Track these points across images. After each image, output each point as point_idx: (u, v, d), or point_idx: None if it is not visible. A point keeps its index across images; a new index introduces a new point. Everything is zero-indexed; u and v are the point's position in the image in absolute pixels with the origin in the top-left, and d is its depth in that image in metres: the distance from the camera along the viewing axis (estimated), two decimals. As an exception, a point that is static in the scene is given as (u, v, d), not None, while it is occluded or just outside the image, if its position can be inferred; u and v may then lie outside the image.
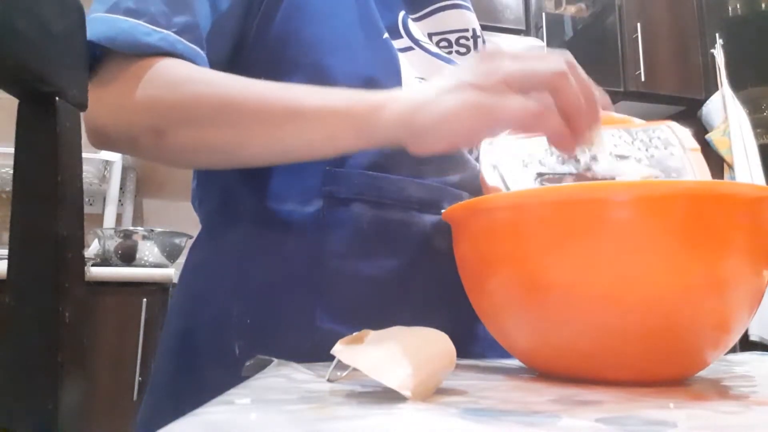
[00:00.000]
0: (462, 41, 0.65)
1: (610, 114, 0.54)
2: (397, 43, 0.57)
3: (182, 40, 0.47)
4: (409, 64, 0.57)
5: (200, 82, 0.46)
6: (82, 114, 0.47)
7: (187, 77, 0.46)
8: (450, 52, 0.64)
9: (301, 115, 0.44)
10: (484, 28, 0.69)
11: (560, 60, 0.40)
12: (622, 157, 0.47)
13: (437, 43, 0.64)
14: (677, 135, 0.49)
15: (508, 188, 0.48)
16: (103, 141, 0.49)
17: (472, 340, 0.53)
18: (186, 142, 0.47)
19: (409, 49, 0.59)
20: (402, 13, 0.60)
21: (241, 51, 0.53)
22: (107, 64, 0.48)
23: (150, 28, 0.46)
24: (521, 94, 0.39)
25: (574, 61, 0.40)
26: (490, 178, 0.48)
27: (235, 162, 0.49)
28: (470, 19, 0.66)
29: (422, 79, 0.59)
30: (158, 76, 0.46)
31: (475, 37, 0.65)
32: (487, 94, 0.39)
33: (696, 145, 0.47)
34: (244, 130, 0.46)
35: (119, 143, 0.49)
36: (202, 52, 0.49)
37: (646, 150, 0.47)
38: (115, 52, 0.47)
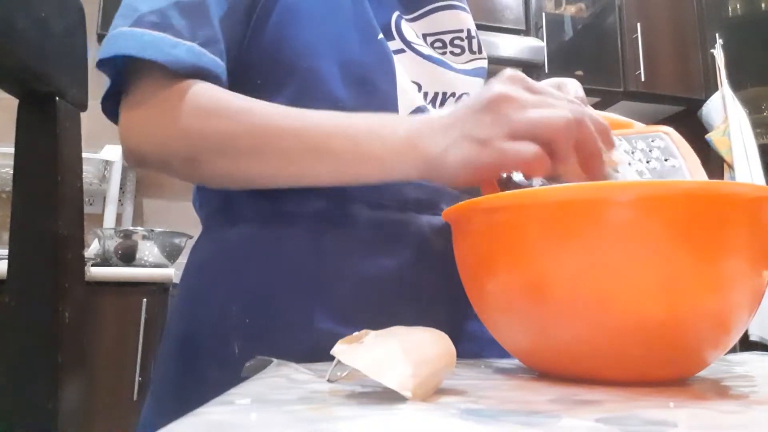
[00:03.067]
0: (456, 42, 0.65)
1: (613, 116, 0.54)
2: (390, 45, 0.57)
3: (207, 52, 0.48)
4: (401, 66, 0.57)
5: (234, 111, 0.47)
6: (119, 135, 0.49)
7: (221, 106, 0.47)
8: (444, 53, 0.64)
9: (332, 155, 0.46)
10: (484, 28, 0.69)
11: (567, 111, 0.40)
12: (623, 169, 0.47)
13: (432, 44, 0.64)
14: (676, 144, 0.48)
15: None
16: (136, 161, 0.50)
17: (471, 340, 0.53)
18: (219, 171, 0.48)
19: (401, 51, 0.59)
20: (396, 14, 0.60)
21: (237, 56, 0.54)
22: (137, 84, 0.49)
23: (175, 40, 0.47)
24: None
25: (585, 107, 0.42)
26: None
27: (264, 187, 0.50)
28: (465, 20, 0.66)
29: (415, 83, 0.59)
30: (191, 103, 0.47)
31: (470, 37, 0.65)
32: (488, 149, 0.41)
33: (695, 157, 0.47)
34: (276, 164, 0.47)
35: (152, 165, 0.51)
36: (223, 64, 0.49)
37: (647, 162, 0.47)
38: (144, 69, 0.48)
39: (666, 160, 0.47)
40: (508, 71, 0.43)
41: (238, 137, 0.47)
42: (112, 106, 0.51)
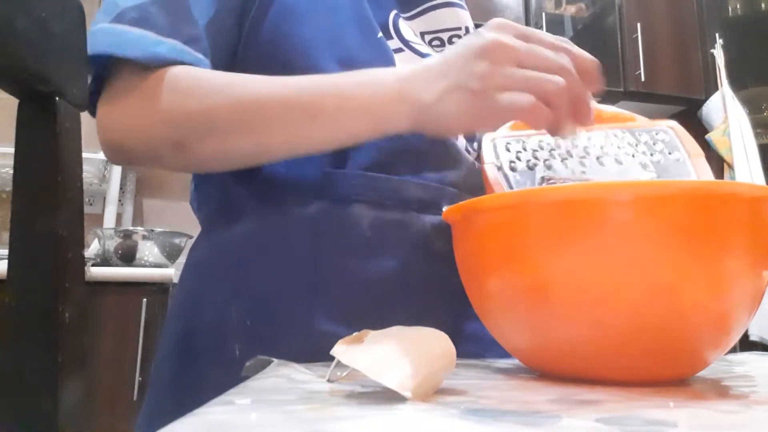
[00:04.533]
0: (455, 40, 0.65)
1: (617, 110, 0.54)
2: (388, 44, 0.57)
3: (190, 50, 0.47)
4: (401, 66, 0.57)
5: (214, 88, 0.46)
6: (97, 130, 0.47)
7: (201, 85, 0.46)
8: (442, 51, 0.64)
9: (322, 115, 0.45)
10: (484, 28, 0.69)
11: (561, 72, 0.41)
12: (627, 161, 0.47)
13: (430, 42, 0.64)
14: (681, 139, 0.48)
15: (511, 187, 0.48)
16: (121, 157, 0.49)
17: (472, 340, 0.53)
18: (209, 152, 0.47)
19: (399, 50, 0.59)
20: (393, 13, 0.60)
21: (234, 55, 0.53)
22: (116, 78, 0.48)
23: (158, 38, 0.46)
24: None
25: (574, 51, 0.43)
26: (493, 175, 0.48)
27: (260, 163, 0.50)
28: (463, 18, 0.66)
29: None
30: (173, 87, 0.46)
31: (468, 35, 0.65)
32: (484, 100, 0.41)
33: (700, 151, 0.47)
34: (266, 135, 0.46)
35: (139, 159, 0.49)
36: (207, 60, 0.49)
37: (651, 155, 0.47)
38: (123, 64, 0.47)
39: (670, 153, 0.47)
40: (497, 19, 0.43)
41: (224, 113, 0.45)
42: (94, 105, 0.50)
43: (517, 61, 0.41)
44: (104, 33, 0.46)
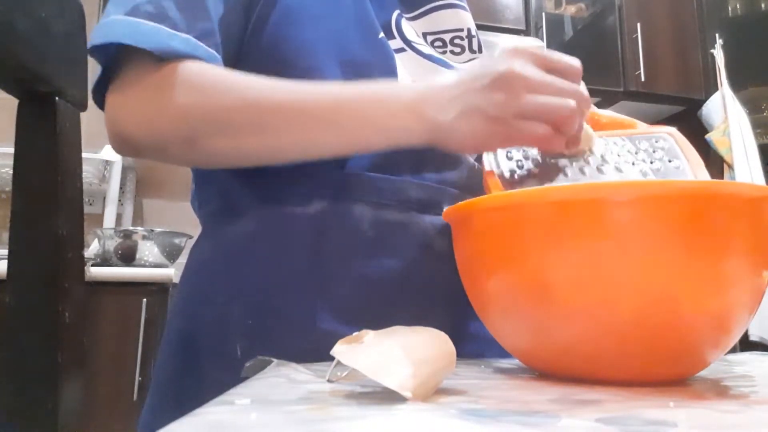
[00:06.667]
0: (457, 41, 0.65)
1: (616, 116, 0.54)
2: (390, 44, 0.57)
3: (203, 44, 0.47)
4: (402, 65, 0.57)
5: (231, 87, 0.46)
6: (105, 120, 0.47)
7: (217, 82, 0.46)
8: (444, 52, 0.64)
9: (337, 123, 0.46)
10: (484, 28, 0.69)
11: (574, 97, 0.43)
12: (627, 169, 0.47)
13: (432, 43, 0.64)
14: (680, 145, 0.48)
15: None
16: (128, 149, 0.48)
17: (471, 340, 0.53)
18: (220, 149, 0.47)
19: (401, 50, 0.59)
20: (396, 13, 0.60)
21: (236, 55, 0.53)
22: (127, 69, 0.48)
23: (172, 32, 0.46)
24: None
25: (585, 92, 0.45)
26: (494, 183, 0.48)
27: (268, 164, 0.49)
28: (465, 19, 0.66)
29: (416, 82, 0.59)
30: (187, 82, 0.46)
31: (470, 36, 0.65)
32: (499, 125, 0.43)
33: (699, 159, 0.47)
34: (278, 137, 0.46)
35: (146, 151, 0.48)
36: (219, 56, 0.49)
37: (651, 163, 0.47)
38: (135, 55, 0.46)
39: (670, 161, 0.47)
40: (514, 45, 0.45)
41: (238, 112, 0.46)
42: (102, 96, 0.49)
43: (531, 90, 0.43)
44: (119, 24, 0.46)
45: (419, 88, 0.47)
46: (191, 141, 0.46)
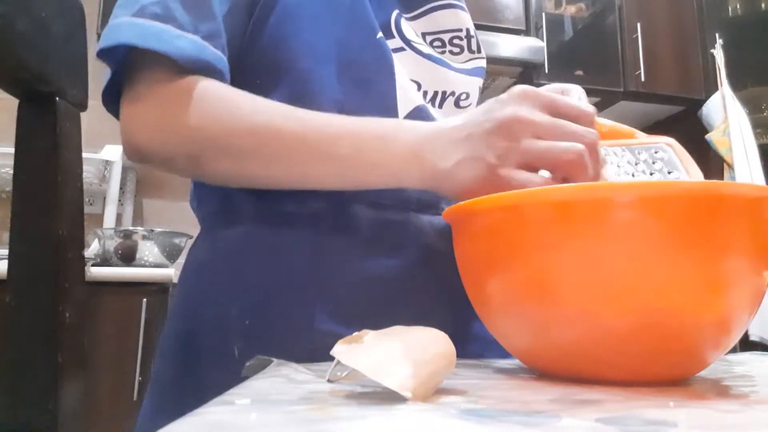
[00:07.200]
0: (456, 41, 0.65)
1: (616, 125, 0.54)
2: (389, 44, 0.57)
3: (209, 45, 0.48)
4: (400, 65, 0.57)
5: (239, 112, 0.47)
6: (120, 128, 0.49)
7: (227, 109, 0.47)
8: (443, 52, 0.64)
9: (337, 159, 0.46)
10: (484, 28, 0.69)
11: (583, 141, 0.41)
12: (627, 180, 0.47)
13: (431, 43, 0.64)
14: (679, 156, 0.49)
15: None
16: (139, 158, 0.50)
17: (471, 340, 0.53)
18: (221, 171, 0.48)
19: (401, 50, 0.59)
20: (395, 12, 0.60)
21: (236, 55, 0.53)
22: (139, 76, 0.48)
23: (178, 32, 0.46)
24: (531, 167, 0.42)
25: (595, 133, 0.43)
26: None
27: (269, 188, 0.50)
28: (464, 19, 0.66)
29: (415, 81, 0.59)
30: (196, 101, 0.47)
31: (468, 36, 0.65)
32: (497, 176, 0.42)
33: (697, 169, 0.47)
34: (279, 166, 0.47)
35: (156, 162, 0.50)
36: (225, 59, 0.49)
37: (650, 174, 0.47)
38: (146, 61, 0.47)
39: (669, 172, 0.47)
40: (520, 88, 0.44)
41: (243, 137, 0.47)
42: (112, 99, 0.50)
43: (536, 134, 0.41)
44: (126, 25, 0.46)
45: (422, 129, 0.46)
46: (197, 160, 0.48)
